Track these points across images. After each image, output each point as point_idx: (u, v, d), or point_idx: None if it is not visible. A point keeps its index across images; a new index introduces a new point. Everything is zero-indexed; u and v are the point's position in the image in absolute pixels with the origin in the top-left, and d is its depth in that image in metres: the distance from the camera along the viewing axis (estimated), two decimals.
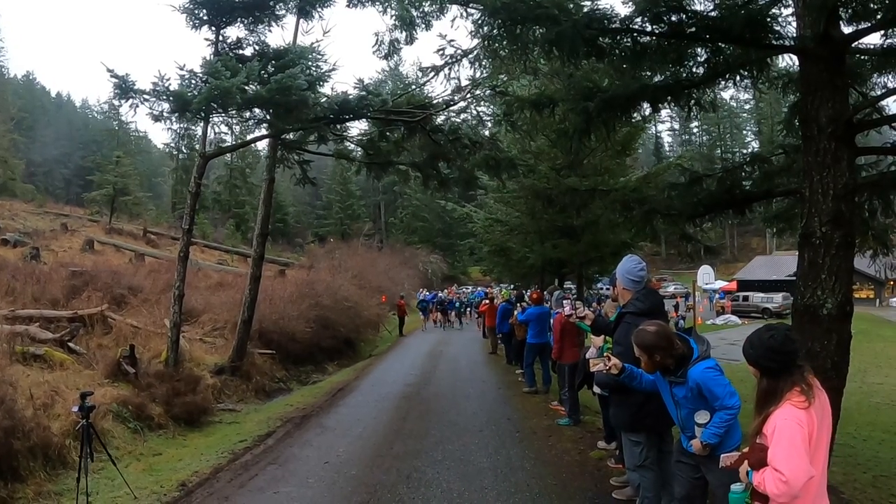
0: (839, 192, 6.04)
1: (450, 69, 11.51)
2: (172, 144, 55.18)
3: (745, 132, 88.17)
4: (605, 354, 4.56)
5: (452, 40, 12.22)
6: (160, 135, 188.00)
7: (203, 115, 12.20)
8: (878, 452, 9.05)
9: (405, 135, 14.39)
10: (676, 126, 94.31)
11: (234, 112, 12.61)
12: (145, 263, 27.38)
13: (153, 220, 47.29)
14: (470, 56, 10.88)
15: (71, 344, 12.85)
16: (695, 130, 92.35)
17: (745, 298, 42.74)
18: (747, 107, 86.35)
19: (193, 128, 12.86)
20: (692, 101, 9.01)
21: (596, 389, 7.25)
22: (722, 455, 3.63)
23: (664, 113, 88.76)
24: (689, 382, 4.06)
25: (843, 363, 6.15)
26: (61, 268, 20.29)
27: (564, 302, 8.16)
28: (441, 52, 11.49)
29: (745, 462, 3.31)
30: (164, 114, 12.10)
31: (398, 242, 61.40)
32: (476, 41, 9.46)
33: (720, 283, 44.41)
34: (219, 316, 17.73)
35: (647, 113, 16.51)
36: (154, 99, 11.80)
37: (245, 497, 6.71)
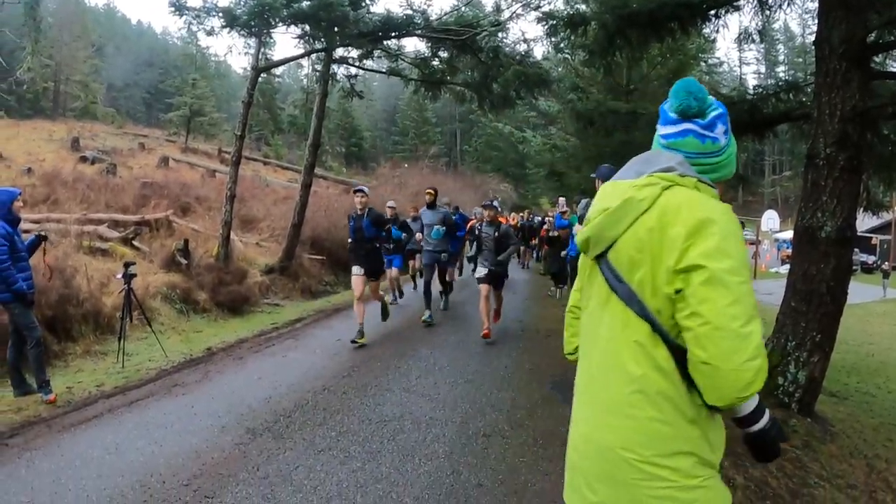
0: (847, 114, 5.97)
1: None
2: (249, 69, 55.79)
3: None
4: None
5: None
6: (238, 60, 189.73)
7: (251, 29, 12.89)
8: None
9: (455, 54, 14.76)
10: (763, 69, 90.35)
11: (281, 27, 13.23)
12: (216, 179, 28.45)
13: (228, 140, 48.64)
14: None
15: (135, 242, 14.03)
16: (781, 74, 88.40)
17: None
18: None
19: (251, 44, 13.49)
20: (721, 24, 9.14)
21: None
22: None
23: (750, 55, 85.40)
24: None
25: (840, 290, 6.15)
26: (134, 181, 21.49)
27: (561, 200, 8.87)
28: None
29: None
30: (215, 29, 12.91)
31: (470, 169, 61.64)
32: None
33: (790, 234, 43.43)
34: (276, 224, 18.72)
35: (706, 33, 16.38)
36: (205, 15, 12.60)
37: (256, 358, 7.64)
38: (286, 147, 51.84)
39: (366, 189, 9.14)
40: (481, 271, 9.46)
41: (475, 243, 9.70)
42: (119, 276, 8.21)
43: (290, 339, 8.74)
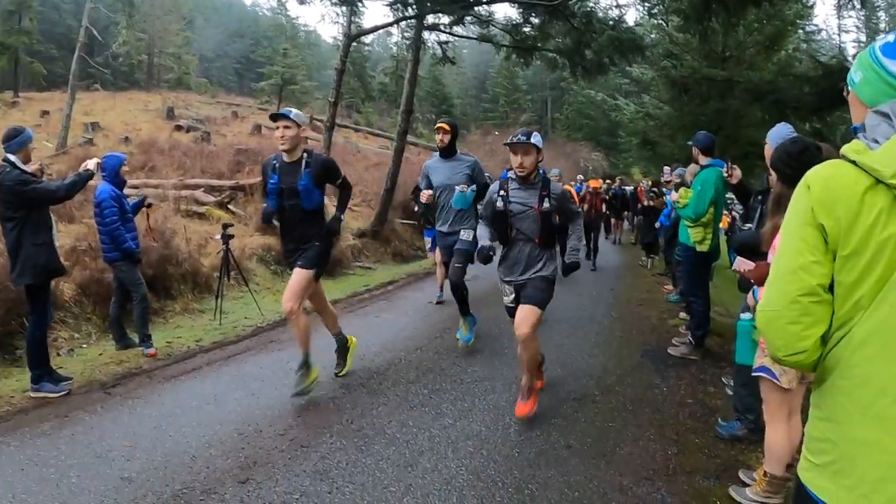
0: None
1: None
2: (340, 38, 56.36)
3: None
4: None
5: None
6: (327, 29, 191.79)
7: None
8: None
9: (546, 20, 14.50)
10: (863, 38, 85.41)
11: None
12: (308, 145, 28.88)
13: (319, 108, 49.30)
14: None
15: (230, 206, 14.45)
16: None
17: None
18: None
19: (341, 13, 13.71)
20: None
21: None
22: (738, 258, 3.72)
23: (849, 22, 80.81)
24: None
25: None
26: (228, 147, 22.05)
27: (666, 168, 8.64)
28: None
29: (755, 285, 3.28)
30: None
31: (561, 137, 60.78)
32: None
33: None
34: (368, 189, 19.00)
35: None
36: None
37: (349, 318, 7.77)
38: (377, 114, 52.14)
39: (292, 113, 5.00)
40: (508, 292, 4.96)
41: (497, 223, 4.82)
42: (217, 236, 8.51)
43: (383, 301, 8.88)
